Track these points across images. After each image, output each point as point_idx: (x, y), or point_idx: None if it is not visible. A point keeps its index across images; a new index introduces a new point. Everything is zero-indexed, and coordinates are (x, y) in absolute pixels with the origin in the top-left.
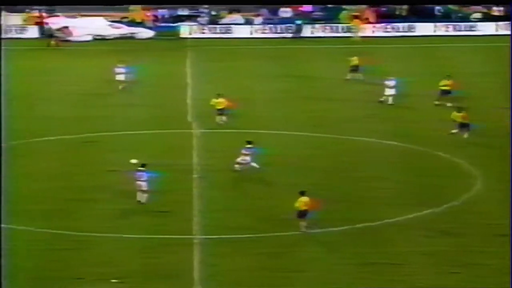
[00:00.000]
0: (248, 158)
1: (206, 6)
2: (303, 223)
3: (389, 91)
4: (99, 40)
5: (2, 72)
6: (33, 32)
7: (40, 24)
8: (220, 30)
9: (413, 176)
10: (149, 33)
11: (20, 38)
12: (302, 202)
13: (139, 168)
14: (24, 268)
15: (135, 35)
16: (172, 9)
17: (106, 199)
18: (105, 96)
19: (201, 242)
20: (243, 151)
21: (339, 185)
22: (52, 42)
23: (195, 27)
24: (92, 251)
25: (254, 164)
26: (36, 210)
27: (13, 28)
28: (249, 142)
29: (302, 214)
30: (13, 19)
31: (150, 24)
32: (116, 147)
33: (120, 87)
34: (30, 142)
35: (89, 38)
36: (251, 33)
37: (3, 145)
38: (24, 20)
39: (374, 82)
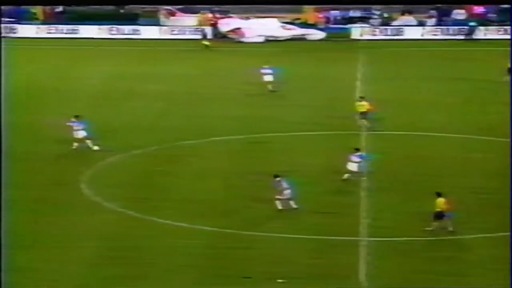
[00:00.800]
0: (356, 166)
1: (378, 7)
2: (438, 224)
3: None
4: (271, 41)
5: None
6: (207, 33)
7: (214, 25)
8: (391, 32)
9: None
10: (321, 35)
11: (194, 39)
12: (440, 203)
13: (276, 178)
14: (194, 265)
15: (307, 37)
16: (344, 11)
17: (274, 199)
18: (275, 96)
19: (367, 244)
20: (351, 158)
21: (505, 189)
22: (206, 43)
23: (366, 29)
24: (260, 250)
25: (347, 176)
26: (205, 208)
27: (188, 29)
28: (357, 150)
29: (439, 215)
30: (188, 21)
31: (322, 25)
32: (284, 148)
33: (271, 87)
34: (198, 142)
35: (261, 39)
36: (422, 35)
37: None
38: (200, 22)
39: None
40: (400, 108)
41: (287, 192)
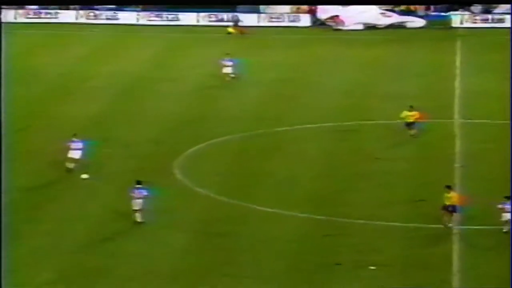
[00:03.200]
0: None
1: None
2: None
3: None
4: (370, 28)
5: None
6: (305, 20)
7: (312, 12)
8: (492, 19)
9: None
10: (420, 22)
11: (292, 27)
12: (449, 197)
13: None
14: (286, 251)
15: (406, 24)
16: None
17: (369, 187)
18: (371, 85)
19: (460, 233)
20: None
21: None
22: (231, 30)
23: (466, 16)
24: (353, 238)
25: None
26: (298, 195)
27: (286, 16)
28: None
29: (449, 209)
30: (283, 8)
31: (422, 12)
32: (377, 136)
33: (231, 77)
34: (292, 129)
35: (360, 26)
36: None
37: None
38: (297, 8)
39: None
40: (500, 98)
41: (140, 201)
